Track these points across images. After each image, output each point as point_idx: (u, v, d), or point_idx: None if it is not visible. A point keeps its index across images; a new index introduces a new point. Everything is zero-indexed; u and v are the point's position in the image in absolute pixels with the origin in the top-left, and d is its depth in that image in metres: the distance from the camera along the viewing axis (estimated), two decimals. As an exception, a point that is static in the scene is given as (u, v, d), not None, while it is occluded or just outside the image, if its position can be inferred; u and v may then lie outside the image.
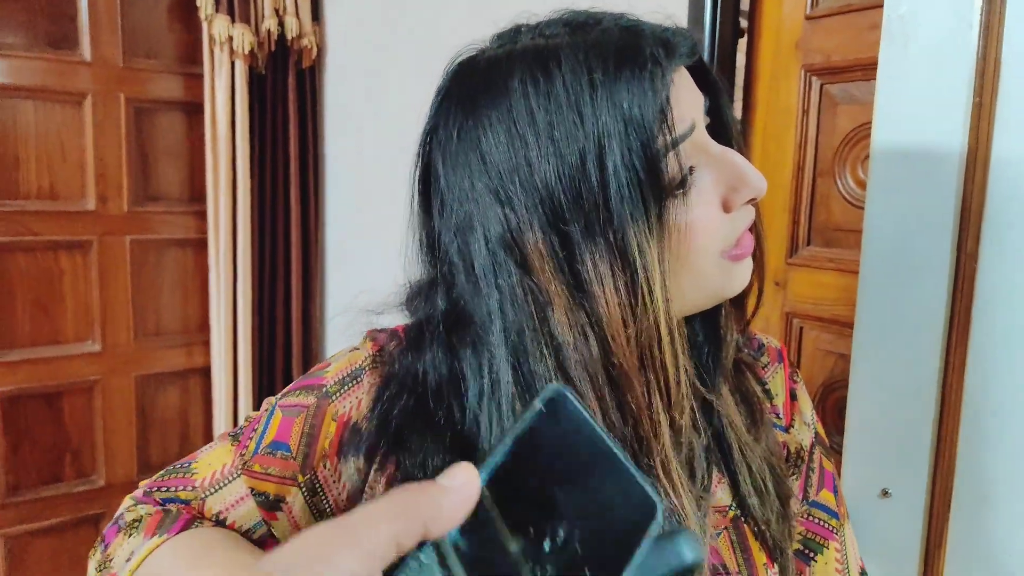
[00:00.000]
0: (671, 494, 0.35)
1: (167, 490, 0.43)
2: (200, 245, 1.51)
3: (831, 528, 0.45)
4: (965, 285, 0.55)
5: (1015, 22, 0.51)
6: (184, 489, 0.42)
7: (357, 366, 0.42)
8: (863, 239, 0.61)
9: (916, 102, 0.56)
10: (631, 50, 0.33)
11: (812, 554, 0.44)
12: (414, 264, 0.41)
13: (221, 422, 1.48)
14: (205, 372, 1.54)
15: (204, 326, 1.52)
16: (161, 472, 0.45)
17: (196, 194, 1.51)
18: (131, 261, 1.46)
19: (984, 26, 0.51)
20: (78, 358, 1.43)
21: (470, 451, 0.37)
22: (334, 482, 0.41)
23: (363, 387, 0.41)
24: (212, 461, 0.43)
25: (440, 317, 0.39)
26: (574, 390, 0.33)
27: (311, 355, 1.52)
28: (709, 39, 0.75)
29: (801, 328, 0.77)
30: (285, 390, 0.44)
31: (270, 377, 1.50)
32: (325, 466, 0.41)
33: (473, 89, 0.36)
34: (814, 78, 0.73)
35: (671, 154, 0.34)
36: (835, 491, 0.46)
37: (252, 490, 0.41)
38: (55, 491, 1.43)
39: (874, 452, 0.61)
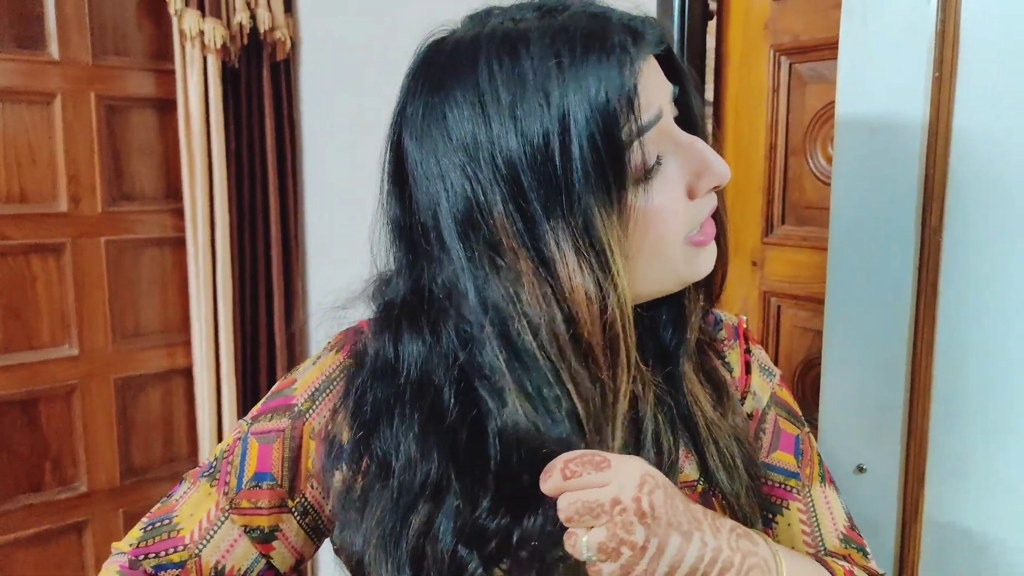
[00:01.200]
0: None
1: (156, 556, 0.41)
2: (178, 244, 1.48)
3: (789, 488, 0.45)
4: (931, 259, 0.55)
5: (973, -4, 0.51)
6: (175, 551, 0.41)
7: (328, 375, 0.42)
8: (830, 216, 0.62)
9: (877, 78, 0.57)
10: (599, 37, 0.33)
11: (771, 516, 0.45)
12: (383, 246, 0.41)
13: (205, 423, 1.46)
14: (187, 373, 1.52)
15: (185, 326, 1.50)
16: (141, 532, 0.42)
17: (172, 192, 1.48)
18: (107, 262, 1.44)
19: (942, 0, 0.52)
20: (55, 363, 1.40)
21: (447, 434, 0.37)
22: (324, 499, 0.41)
23: (337, 395, 0.41)
24: (194, 510, 0.41)
25: (412, 298, 0.39)
26: (550, 364, 0.34)
27: (295, 352, 1.51)
28: (679, 22, 0.76)
29: (779, 307, 0.78)
30: (254, 414, 0.43)
31: (254, 376, 1.49)
32: (312, 486, 0.41)
33: (441, 68, 0.36)
34: (783, 58, 0.74)
35: (636, 142, 0.34)
36: (798, 453, 0.46)
37: (245, 527, 0.41)
38: (36, 499, 1.40)
39: (848, 428, 0.62)
